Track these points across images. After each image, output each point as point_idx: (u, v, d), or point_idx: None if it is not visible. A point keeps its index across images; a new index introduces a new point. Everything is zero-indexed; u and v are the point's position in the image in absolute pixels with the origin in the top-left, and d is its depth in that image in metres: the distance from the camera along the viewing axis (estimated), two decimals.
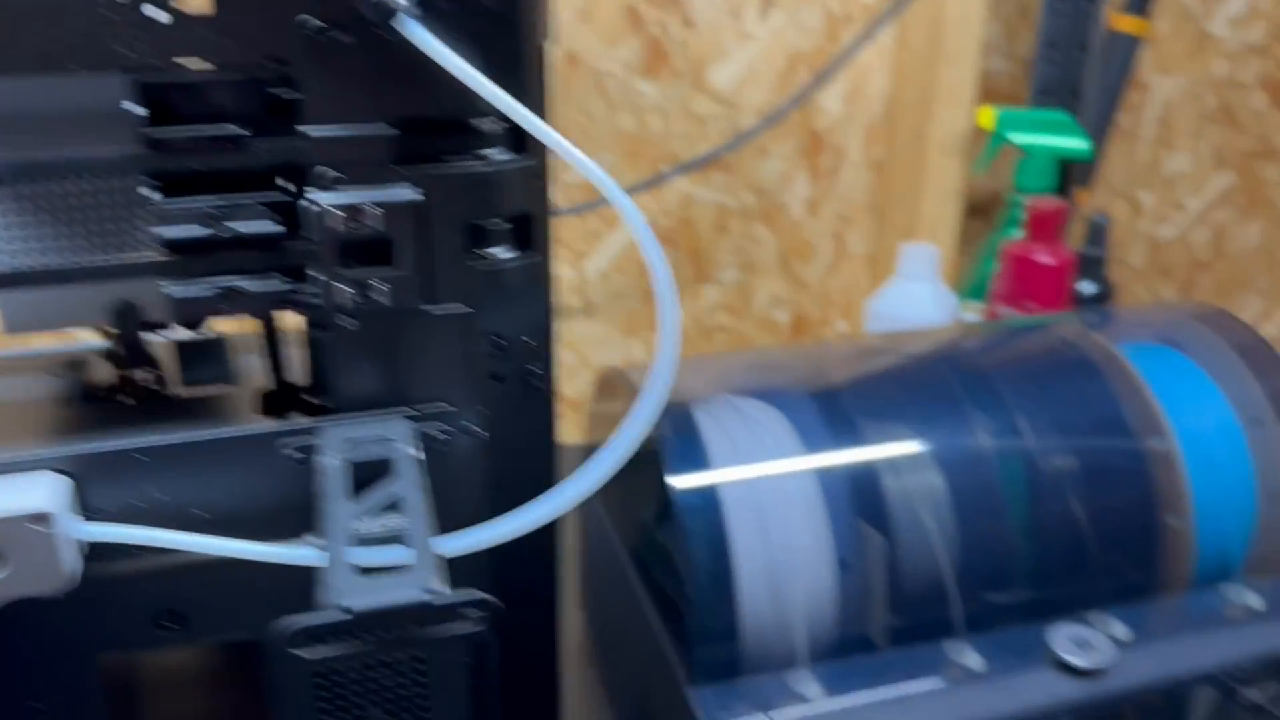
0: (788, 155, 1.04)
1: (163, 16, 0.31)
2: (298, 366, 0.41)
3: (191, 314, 0.35)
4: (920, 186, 1.01)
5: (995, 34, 1.05)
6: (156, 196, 0.33)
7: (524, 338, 0.39)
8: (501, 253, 0.37)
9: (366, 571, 0.30)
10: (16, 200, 0.33)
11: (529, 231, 0.38)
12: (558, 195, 0.40)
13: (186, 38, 0.31)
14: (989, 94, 1.05)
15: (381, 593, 0.29)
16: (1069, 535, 0.53)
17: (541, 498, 0.36)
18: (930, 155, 1.00)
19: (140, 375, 0.40)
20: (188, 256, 0.34)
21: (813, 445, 0.52)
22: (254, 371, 0.43)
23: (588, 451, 0.37)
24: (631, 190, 0.93)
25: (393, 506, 0.32)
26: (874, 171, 1.07)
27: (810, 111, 1.02)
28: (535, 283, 0.38)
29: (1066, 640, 0.49)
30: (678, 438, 0.52)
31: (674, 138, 1.01)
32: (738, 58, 1.00)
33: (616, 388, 0.59)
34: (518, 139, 0.36)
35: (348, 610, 0.28)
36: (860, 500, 0.51)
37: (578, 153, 0.33)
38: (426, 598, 0.28)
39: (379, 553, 0.31)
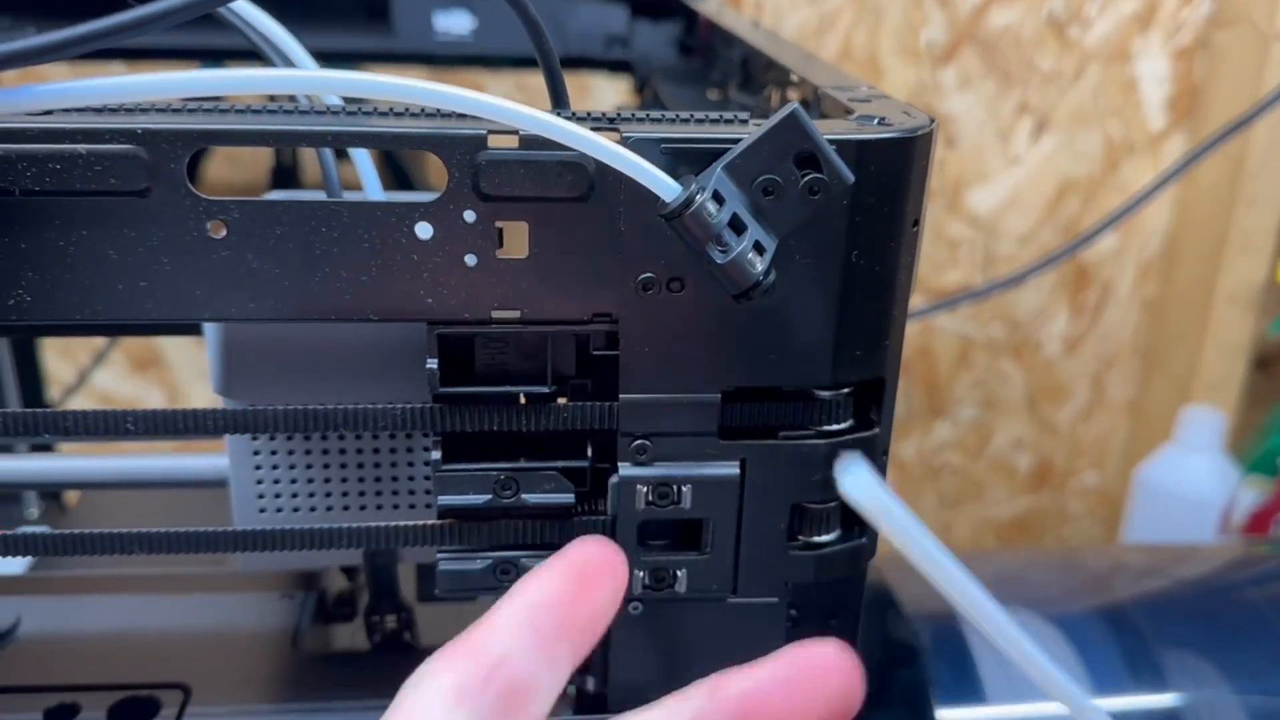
0: (1046, 287, 0.95)
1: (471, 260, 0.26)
2: None
3: (460, 588, 0.30)
4: (1202, 337, 0.89)
5: None
6: (435, 455, 0.28)
7: (831, 622, 0.32)
8: (824, 538, 0.30)
9: None
10: (287, 454, 0.29)
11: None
12: None
13: (499, 285, 0.26)
14: None
15: None
16: None
17: None
18: (1217, 304, 0.88)
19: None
20: (465, 524, 0.29)
21: (1107, 685, 0.45)
22: None
23: None
24: None
25: None
26: (1145, 312, 0.96)
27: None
28: (855, 566, 0.32)
29: None
30: (946, 662, 0.45)
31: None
32: (1002, 181, 0.91)
33: None
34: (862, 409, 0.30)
35: None
36: None
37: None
38: None
39: None
